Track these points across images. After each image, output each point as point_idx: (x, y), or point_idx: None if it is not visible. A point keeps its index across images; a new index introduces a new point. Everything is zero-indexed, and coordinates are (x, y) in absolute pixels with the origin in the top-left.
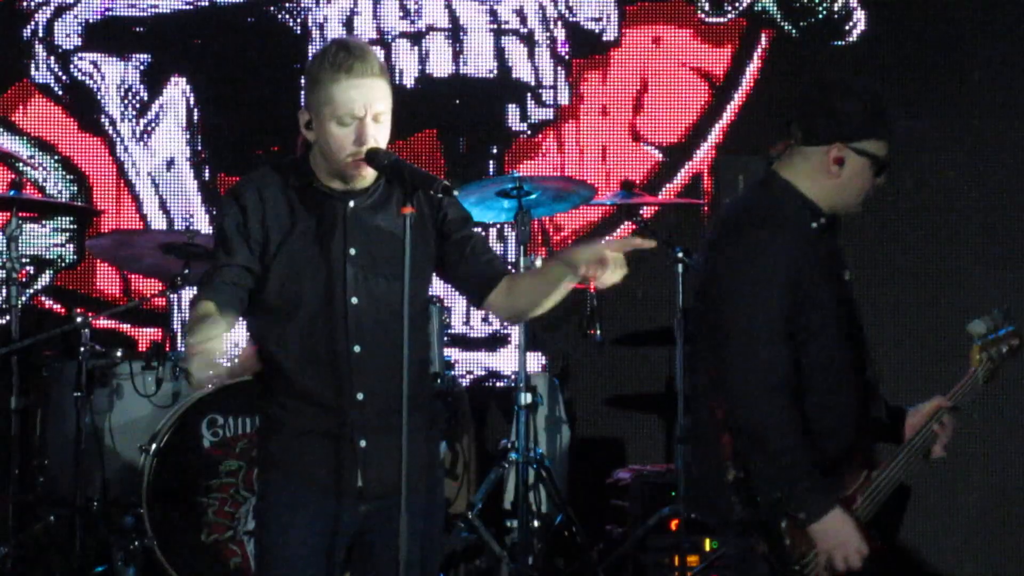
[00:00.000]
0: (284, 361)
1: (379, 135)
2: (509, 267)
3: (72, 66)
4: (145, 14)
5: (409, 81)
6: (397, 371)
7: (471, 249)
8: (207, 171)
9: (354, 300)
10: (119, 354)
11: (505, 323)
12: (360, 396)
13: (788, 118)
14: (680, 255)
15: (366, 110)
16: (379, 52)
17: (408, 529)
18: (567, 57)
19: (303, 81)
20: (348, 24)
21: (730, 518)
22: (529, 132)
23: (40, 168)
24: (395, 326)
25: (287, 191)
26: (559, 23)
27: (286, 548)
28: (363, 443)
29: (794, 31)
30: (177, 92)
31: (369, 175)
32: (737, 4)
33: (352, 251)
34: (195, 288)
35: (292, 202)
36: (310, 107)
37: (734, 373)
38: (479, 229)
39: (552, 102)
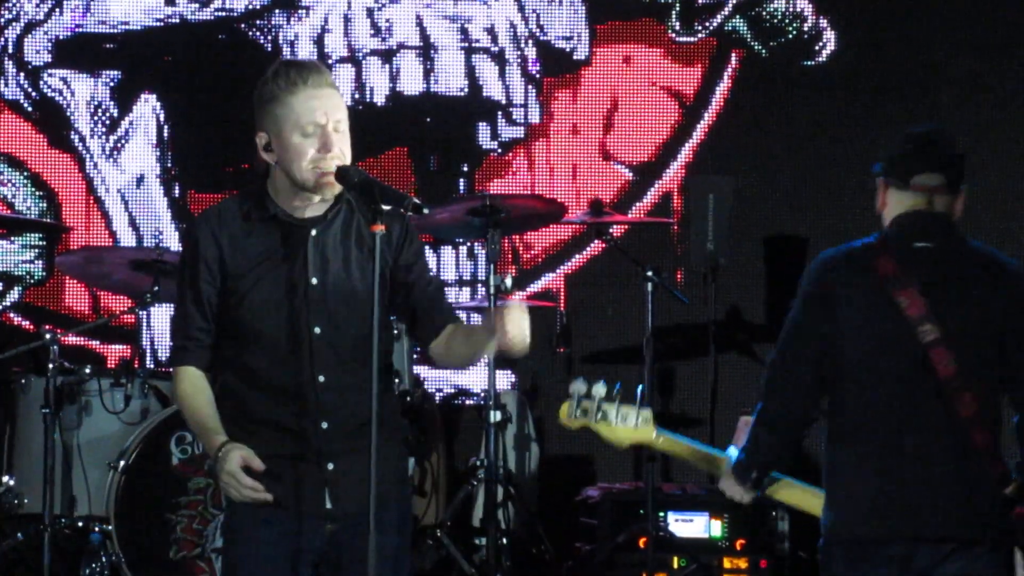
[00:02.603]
0: (248, 390)
1: (342, 145)
2: (455, 315)
3: (42, 82)
4: (115, 31)
5: (380, 99)
6: (362, 395)
7: (426, 290)
8: (177, 188)
9: (317, 329)
10: (88, 371)
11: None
12: (324, 425)
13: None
14: (650, 274)
15: (327, 118)
16: (350, 70)
17: (378, 546)
18: (538, 76)
19: (255, 103)
20: (319, 41)
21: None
22: (500, 150)
23: (9, 184)
24: (358, 353)
25: (247, 223)
26: (530, 42)
27: (252, 567)
28: (330, 466)
29: (764, 51)
30: (147, 109)
31: (335, 189)
32: (707, 24)
33: (314, 280)
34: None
35: (252, 234)
36: (267, 127)
37: None
38: (433, 272)
39: (523, 120)
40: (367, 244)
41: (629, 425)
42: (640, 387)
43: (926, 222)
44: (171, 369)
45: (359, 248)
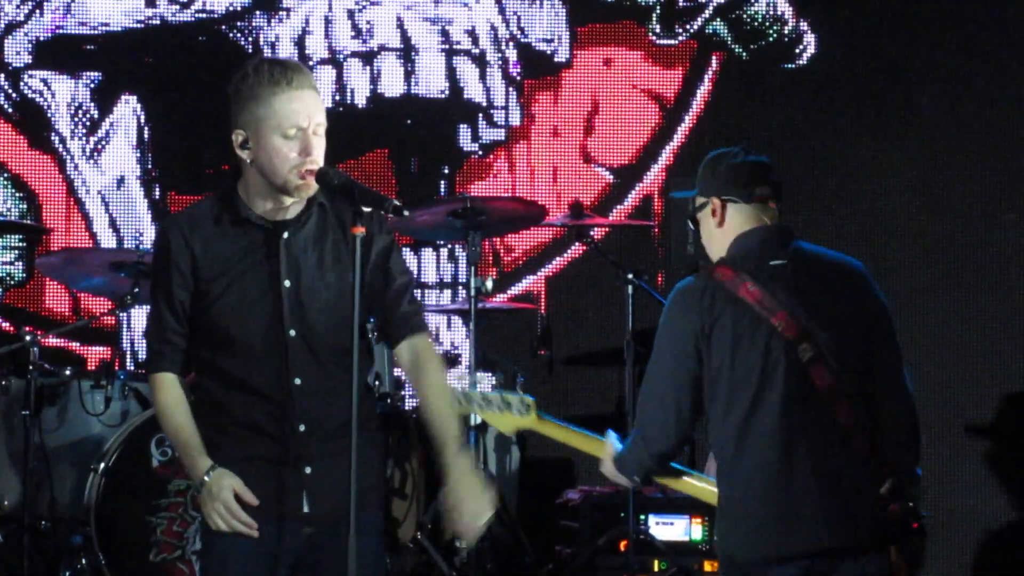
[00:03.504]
0: (223, 393)
1: (320, 150)
2: (415, 325)
3: (22, 83)
4: (96, 32)
5: (361, 101)
6: (338, 398)
7: (396, 292)
8: (157, 189)
9: (292, 333)
10: (68, 373)
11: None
12: (302, 427)
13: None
14: (630, 277)
15: (309, 120)
16: (331, 71)
17: (358, 549)
18: (519, 78)
19: (232, 99)
20: (300, 43)
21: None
22: (480, 152)
23: None
24: (334, 356)
25: (219, 226)
26: (511, 44)
27: (231, 569)
28: (308, 469)
29: (745, 54)
30: (128, 110)
31: (312, 190)
32: (688, 26)
33: (287, 283)
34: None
35: (225, 237)
36: (246, 125)
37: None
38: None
39: (503, 123)
40: (341, 246)
41: (512, 412)
42: (520, 378)
43: (772, 236)
44: (147, 375)
45: (333, 250)
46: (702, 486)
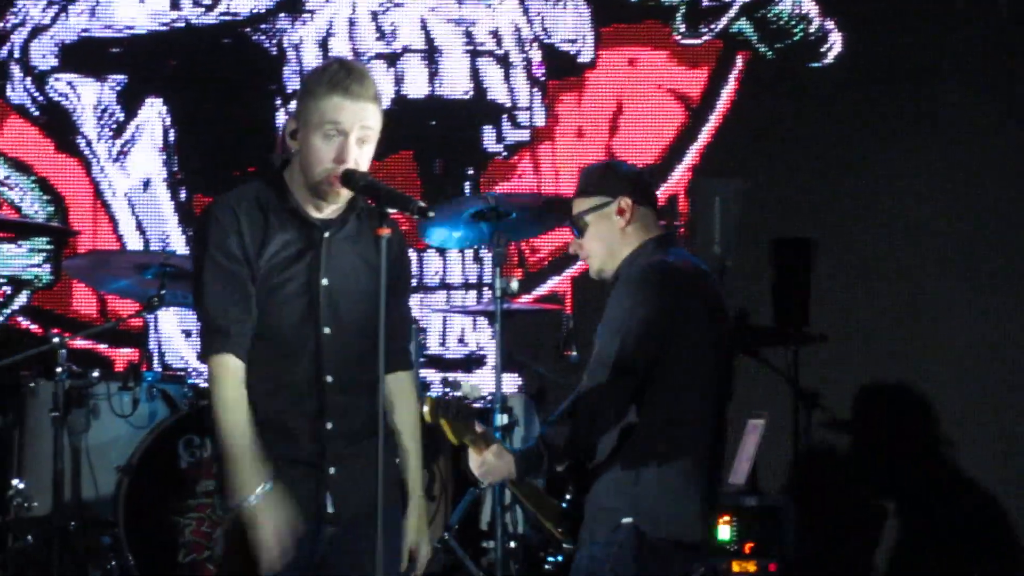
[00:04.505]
0: (253, 389)
1: (361, 158)
2: (411, 366)
3: (48, 87)
4: (121, 35)
5: (385, 102)
6: (364, 399)
7: (400, 320)
8: (183, 192)
9: (326, 330)
10: (96, 374)
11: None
12: (329, 426)
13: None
14: None
15: (352, 130)
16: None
17: (386, 545)
18: (543, 79)
19: (299, 89)
20: (324, 45)
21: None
22: (505, 153)
23: (16, 188)
24: (364, 355)
25: (265, 212)
26: (534, 45)
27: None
28: (332, 470)
29: (770, 53)
30: (153, 113)
31: (342, 197)
32: (713, 26)
33: (324, 281)
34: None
35: (270, 226)
36: (299, 116)
37: None
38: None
39: (528, 123)
40: (374, 252)
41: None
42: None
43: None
44: (207, 358)
45: (368, 255)
46: (551, 507)
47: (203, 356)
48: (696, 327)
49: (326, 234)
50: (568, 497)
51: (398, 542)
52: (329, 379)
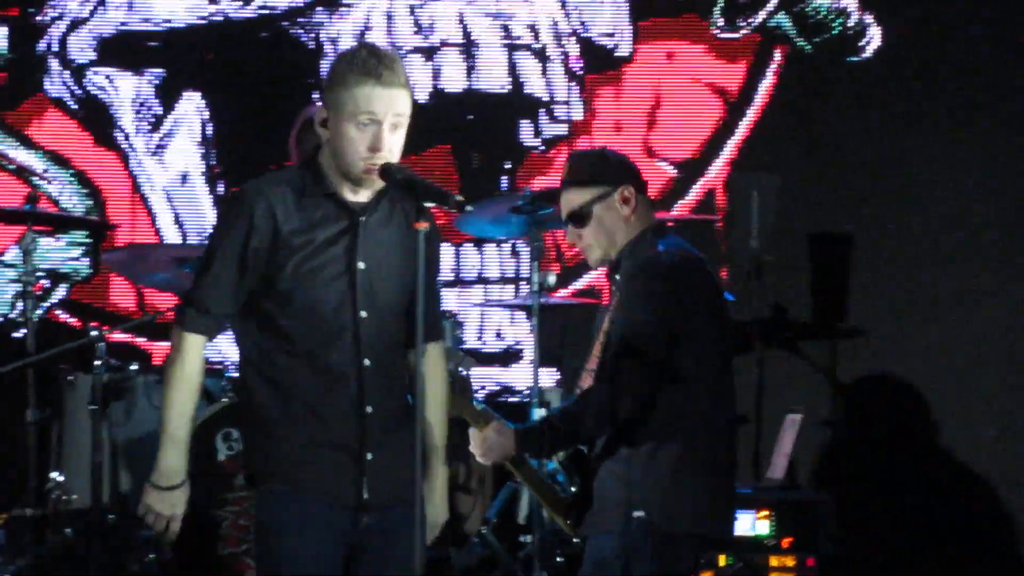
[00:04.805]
0: (290, 369)
1: (394, 145)
2: (442, 336)
3: (86, 80)
4: (159, 29)
5: (422, 96)
6: (398, 385)
7: (430, 295)
8: (221, 185)
9: (363, 314)
10: (134, 367)
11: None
12: (369, 410)
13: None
14: None
15: (386, 115)
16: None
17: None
18: (580, 73)
19: (327, 76)
20: (361, 39)
21: None
22: (542, 147)
23: (55, 182)
24: (395, 342)
25: (303, 196)
26: (572, 38)
27: (295, 557)
28: (369, 456)
29: (808, 47)
30: (191, 106)
31: (378, 182)
32: (751, 20)
33: (361, 265)
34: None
35: (306, 211)
36: (330, 104)
37: None
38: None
39: (565, 117)
40: (406, 238)
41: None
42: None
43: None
44: (175, 326)
45: (401, 240)
46: (552, 493)
47: (175, 323)
48: (702, 320)
49: (362, 218)
50: (573, 489)
51: (424, 531)
52: (367, 362)
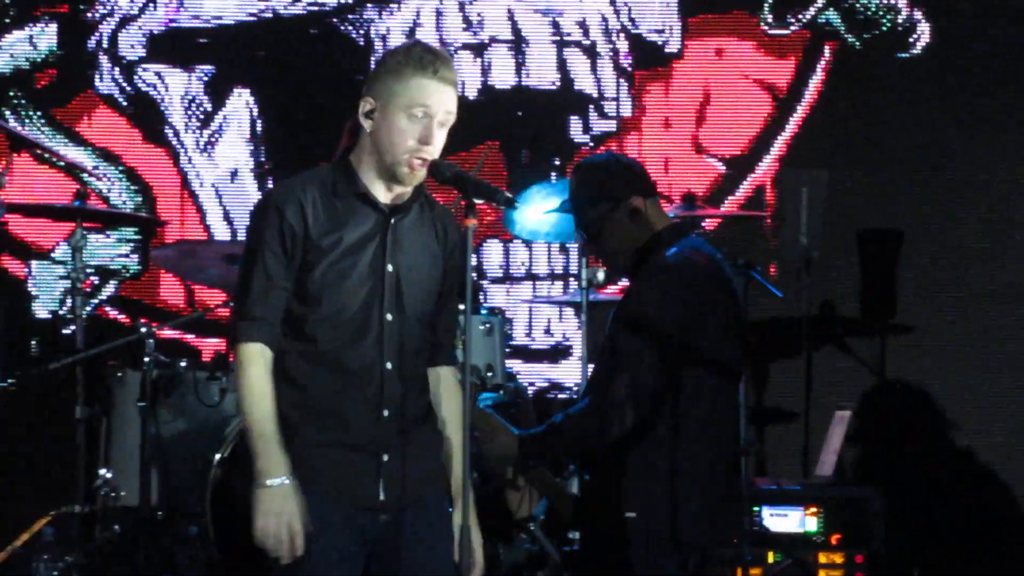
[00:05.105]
0: (310, 370)
1: (440, 142)
2: (456, 362)
3: (136, 77)
4: (209, 25)
5: (471, 93)
6: (417, 387)
7: (449, 313)
8: (270, 182)
9: (389, 316)
10: (183, 364)
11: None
12: (386, 413)
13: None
14: (743, 267)
15: (439, 110)
16: None
17: (437, 532)
18: (630, 69)
19: (375, 69)
20: (411, 35)
21: None
22: (591, 144)
23: (105, 179)
24: (418, 346)
25: (334, 197)
26: (622, 35)
27: (317, 556)
28: (385, 457)
29: (858, 43)
30: (240, 103)
31: (417, 179)
32: (800, 16)
33: (390, 267)
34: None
35: (336, 211)
36: (378, 95)
37: None
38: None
39: (615, 114)
40: (434, 242)
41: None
42: None
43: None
44: (238, 345)
45: (429, 244)
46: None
47: (234, 342)
48: (714, 328)
49: (392, 220)
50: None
51: (447, 531)
52: (388, 366)
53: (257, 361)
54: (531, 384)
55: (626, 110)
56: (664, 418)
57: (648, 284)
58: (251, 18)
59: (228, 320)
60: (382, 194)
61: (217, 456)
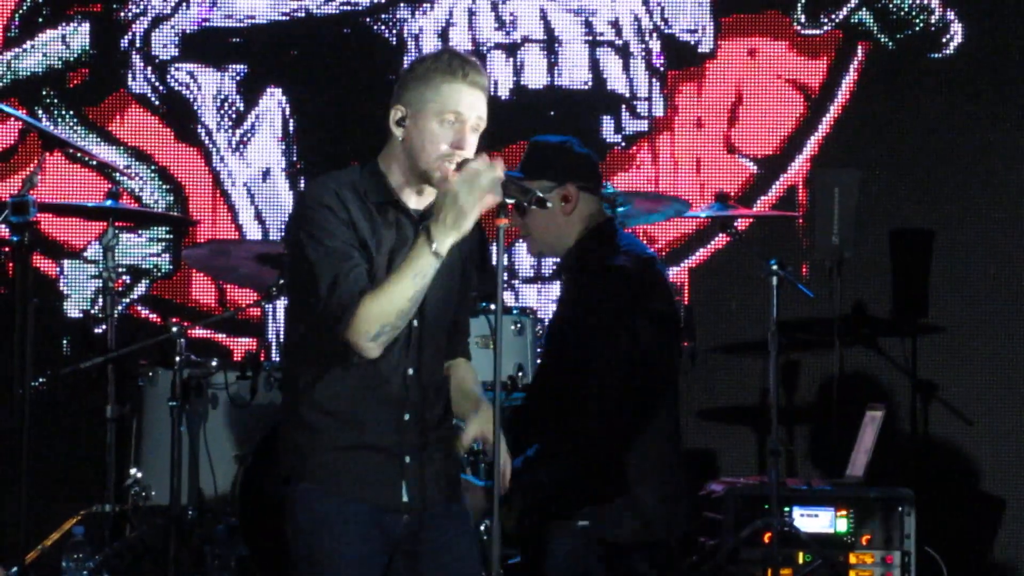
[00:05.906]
0: (340, 377)
1: (472, 147)
2: (469, 356)
3: (169, 76)
4: (241, 25)
5: (504, 92)
6: (437, 391)
7: (460, 313)
8: (303, 181)
9: (415, 323)
10: (214, 364)
11: None
12: (407, 417)
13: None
14: (774, 267)
15: (470, 115)
16: None
17: (459, 534)
18: (662, 69)
19: (404, 77)
20: (443, 35)
21: None
22: (623, 144)
23: (137, 178)
24: (437, 350)
25: (364, 199)
26: (654, 35)
27: (341, 557)
28: (407, 459)
29: (890, 43)
30: (273, 103)
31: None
32: (833, 16)
33: None
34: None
35: (367, 214)
36: (409, 102)
37: None
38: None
39: (647, 114)
40: (455, 248)
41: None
42: None
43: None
44: (341, 320)
45: (451, 248)
46: None
47: (341, 335)
48: (657, 325)
49: (421, 227)
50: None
51: (469, 533)
52: (410, 371)
53: (362, 327)
54: None
55: (658, 110)
56: (618, 426)
57: (592, 290)
58: (284, 17)
59: (318, 317)
60: (412, 201)
61: (247, 456)
